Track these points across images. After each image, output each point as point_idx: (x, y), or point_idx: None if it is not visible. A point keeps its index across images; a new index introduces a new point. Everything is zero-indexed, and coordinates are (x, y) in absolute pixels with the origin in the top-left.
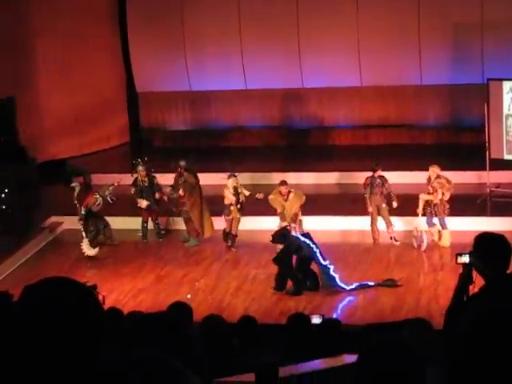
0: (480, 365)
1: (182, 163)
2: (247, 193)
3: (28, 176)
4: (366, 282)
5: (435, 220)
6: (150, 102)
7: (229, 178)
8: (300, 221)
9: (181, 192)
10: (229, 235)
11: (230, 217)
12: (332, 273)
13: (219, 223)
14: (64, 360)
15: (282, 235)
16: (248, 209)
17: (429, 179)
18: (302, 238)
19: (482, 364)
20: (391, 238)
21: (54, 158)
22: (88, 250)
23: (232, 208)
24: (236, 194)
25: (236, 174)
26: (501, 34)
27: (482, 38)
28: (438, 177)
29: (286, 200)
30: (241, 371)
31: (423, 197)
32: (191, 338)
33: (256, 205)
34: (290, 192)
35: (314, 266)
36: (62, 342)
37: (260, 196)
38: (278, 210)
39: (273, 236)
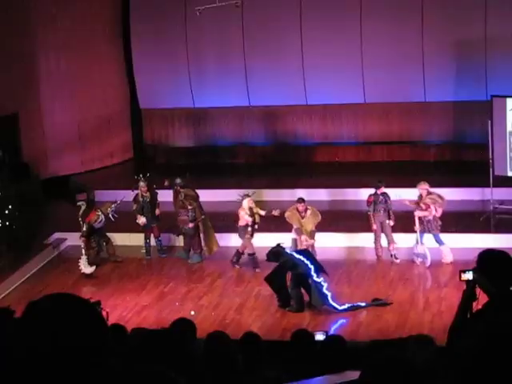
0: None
1: (178, 181)
2: (262, 212)
3: (32, 192)
4: (357, 303)
5: (428, 237)
6: (153, 118)
7: (243, 199)
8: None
9: (189, 206)
10: (240, 256)
11: (247, 236)
12: (325, 291)
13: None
14: (66, 375)
15: (276, 253)
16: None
17: (420, 196)
18: (297, 256)
19: (492, 381)
20: (392, 255)
21: (58, 174)
22: (85, 267)
23: (249, 229)
24: (252, 214)
25: (250, 193)
26: (504, 50)
27: (486, 54)
28: (429, 193)
29: (303, 217)
30: None
31: (419, 214)
32: (193, 354)
33: (270, 222)
34: (307, 209)
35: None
36: (64, 358)
37: (276, 213)
38: (295, 226)
39: (267, 254)
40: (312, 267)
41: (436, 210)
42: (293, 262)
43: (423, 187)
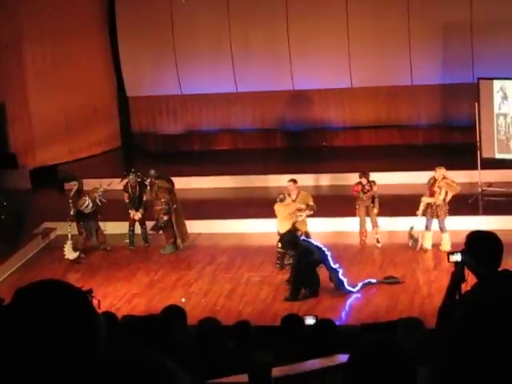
0: (470, 359)
1: (152, 172)
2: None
3: (20, 182)
4: (368, 280)
5: (434, 223)
6: (140, 106)
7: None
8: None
9: (162, 199)
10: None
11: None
12: (340, 277)
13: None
14: (55, 362)
15: (291, 241)
16: (239, 212)
17: (433, 180)
18: (314, 242)
19: (472, 358)
20: (375, 239)
21: (46, 164)
22: (69, 253)
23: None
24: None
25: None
26: (490, 33)
27: (472, 37)
28: (445, 178)
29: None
30: (234, 372)
31: (425, 200)
32: (183, 341)
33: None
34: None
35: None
36: (53, 345)
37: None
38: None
39: (282, 242)
40: (328, 253)
41: (446, 195)
42: (309, 249)
43: (441, 172)
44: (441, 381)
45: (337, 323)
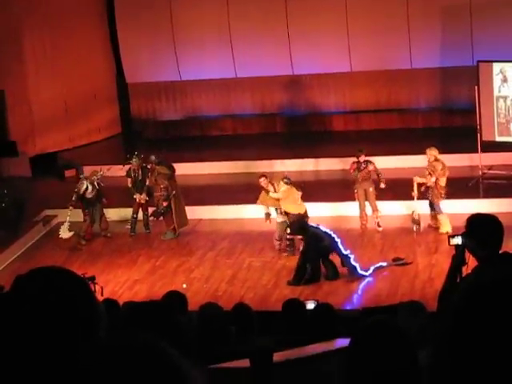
0: (470, 340)
1: (152, 158)
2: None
3: (20, 170)
4: (380, 264)
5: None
6: (140, 92)
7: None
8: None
9: (161, 185)
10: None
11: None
12: (353, 262)
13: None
14: (55, 349)
15: (301, 227)
16: (240, 197)
17: (428, 162)
18: (323, 229)
19: (472, 339)
20: (376, 223)
21: (45, 151)
22: (63, 232)
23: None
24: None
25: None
26: (489, 15)
27: (471, 20)
28: (436, 160)
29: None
30: (235, 357)
31: (416, 179)
32: (181, 325)
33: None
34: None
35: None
36: (54, 332)
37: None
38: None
39: (291, 228)
40: (339, 240)
41: (437, 179)
42: (318, 235)
43: (430, 153)
44: (442, 362)
45: (338, 308)
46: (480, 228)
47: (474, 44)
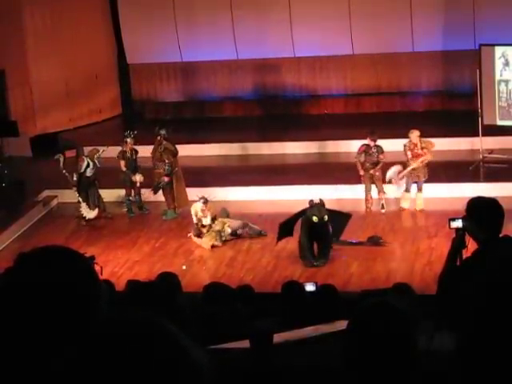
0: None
1: (163, 132)
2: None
3: (20, 150)
4: (350, 240)
5: (413, 186)
6: (141, 73)
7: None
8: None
9: (166, 159)
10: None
11: None
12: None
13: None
14: (57, 327)
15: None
16: (240, 179)
17: (413, 145)
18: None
19: (496, 322)
20: (380, 204)
21: (46, 131)
22: (87, 212)
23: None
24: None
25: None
26: None
27: (474, 3)
28: (420, 141)
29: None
30: (235, 338)
31: (414, 165)
32: (177, 306)
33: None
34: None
35: None
36: (55, 310)
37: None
38: None
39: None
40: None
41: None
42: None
43: (417, 135)
44: (467, 346)
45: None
46: (480, 211)
47: (476, 27)
